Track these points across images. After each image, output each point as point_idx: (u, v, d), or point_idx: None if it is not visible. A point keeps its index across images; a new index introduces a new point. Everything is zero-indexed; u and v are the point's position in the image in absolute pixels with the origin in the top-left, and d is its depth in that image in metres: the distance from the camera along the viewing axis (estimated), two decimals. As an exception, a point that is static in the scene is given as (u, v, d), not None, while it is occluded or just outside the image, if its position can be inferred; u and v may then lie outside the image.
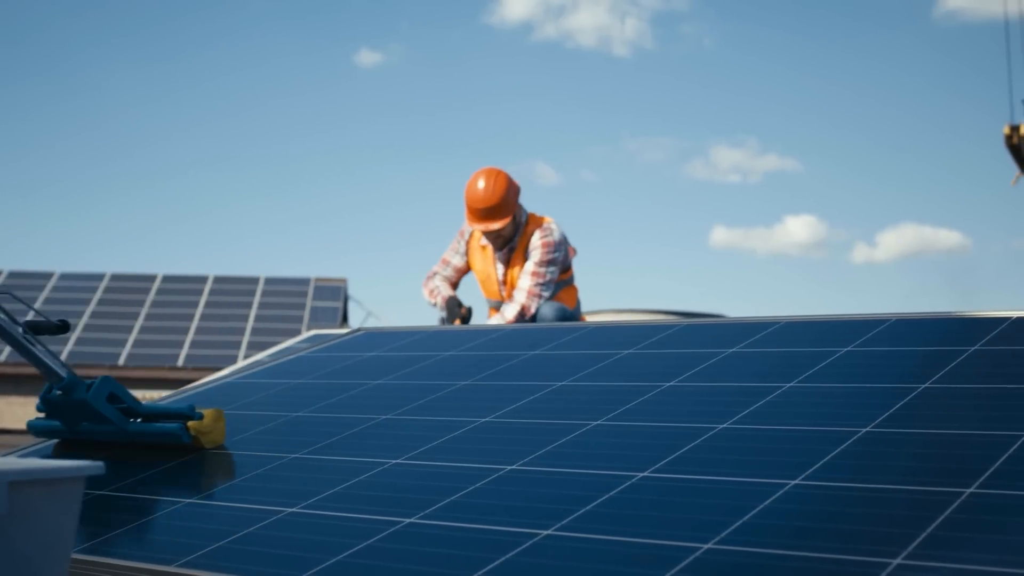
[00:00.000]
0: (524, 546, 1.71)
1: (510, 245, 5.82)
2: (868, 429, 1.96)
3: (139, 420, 2.61)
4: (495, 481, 2.02)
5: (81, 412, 2.58)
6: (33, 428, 2.74)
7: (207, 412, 2.54)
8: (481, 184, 5.72)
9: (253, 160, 35.03)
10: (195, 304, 22.05)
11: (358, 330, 3.69)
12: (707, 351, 2.65)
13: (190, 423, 2.52)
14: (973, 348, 2.31)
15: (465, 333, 3.32)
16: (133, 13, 34.30)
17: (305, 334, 6.55)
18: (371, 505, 2.01)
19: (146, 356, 20.16)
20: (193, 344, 20.68)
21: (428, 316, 6.22)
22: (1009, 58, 17.18)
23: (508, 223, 5.73)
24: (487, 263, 5.88)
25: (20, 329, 2.53)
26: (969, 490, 1.63)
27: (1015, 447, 1.77)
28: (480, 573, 1.64)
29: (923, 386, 2.14)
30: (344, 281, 23.13)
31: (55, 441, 2.82)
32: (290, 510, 2.06)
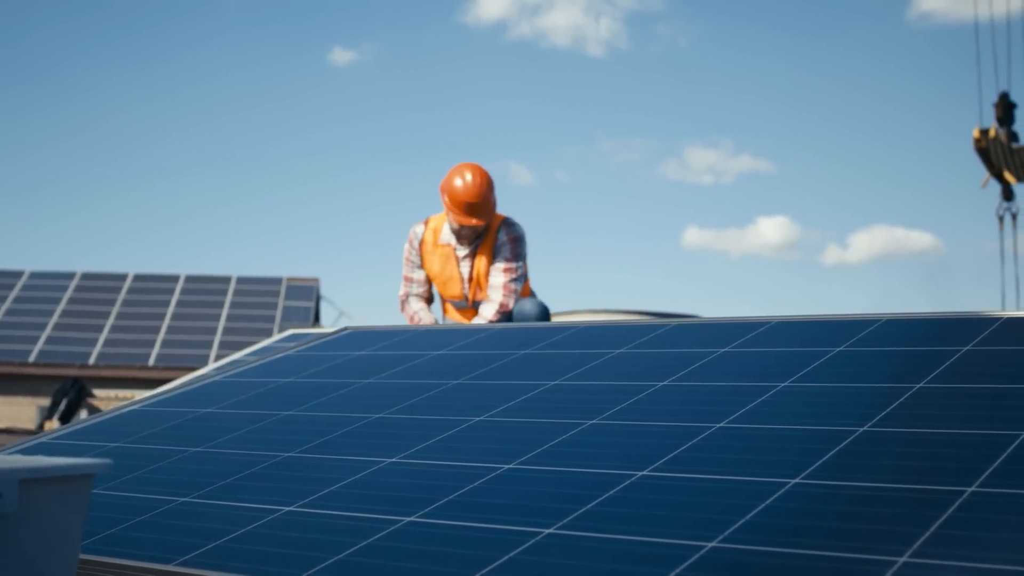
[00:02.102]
0: (527, 544, 1.71)
1: (476, 241, 5.82)
2: (865, 428, 1.97)
3: None
4: (493, 480, 2.02)
5: None
6: None
7: None
8: (469, 179, 5.73)
9: (226, 160, 34.89)
10: (166, 303, 21.93)
11: (344, 329, 3.68)
12: (699, 351, 2.66)
13: None
14: (966, 348, 2.33)
15: (453, 332, 3.31)
16: (105, 19, 34.08)
17: (284, 333, 6.52)
18: (369, 504, 2.00)
19: (117, 355, 20.03)
20: (164, 343, 20.57)
21: (400, 316, 6.17)
22: (979, 61, 17.27)
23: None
24: (448, 263, 5.84)
25: None
26: (971, 489, 1.64)
27: (1013, 446, 1.78)
28: (484, 571, 1.63)
29: (918, 386, 2.15)
30: (316, 281, 23.06)
31: (52, 437, 2.80)
32: (287, 509, 2.05)
